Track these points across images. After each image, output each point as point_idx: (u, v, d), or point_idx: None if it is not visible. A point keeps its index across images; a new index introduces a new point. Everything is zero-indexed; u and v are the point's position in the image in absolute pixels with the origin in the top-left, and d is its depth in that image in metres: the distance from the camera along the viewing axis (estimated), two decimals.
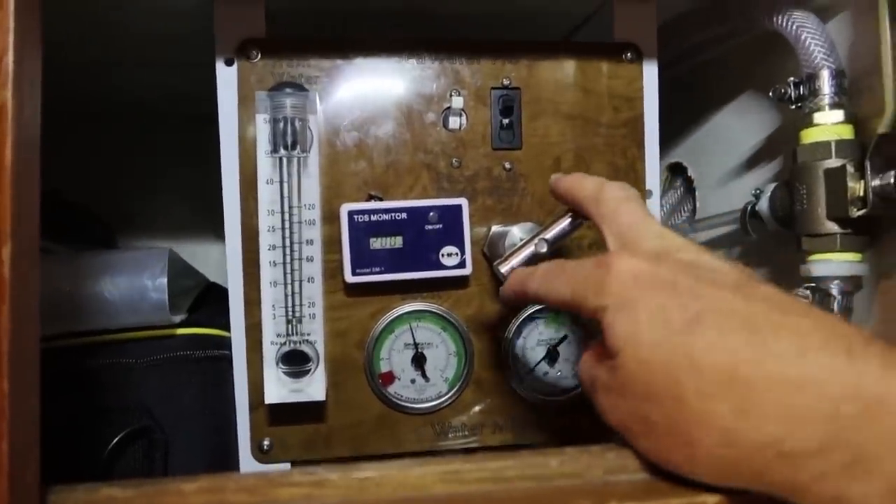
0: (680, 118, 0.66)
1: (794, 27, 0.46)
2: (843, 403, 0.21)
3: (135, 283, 0.46)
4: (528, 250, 0.39)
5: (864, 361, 0.22)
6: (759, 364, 0.23)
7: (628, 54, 0.49)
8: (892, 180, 0.40)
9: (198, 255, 0.73)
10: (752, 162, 0.58)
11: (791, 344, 0.23)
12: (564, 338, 0.49)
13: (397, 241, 0.45)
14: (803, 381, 0.22)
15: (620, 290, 0.28)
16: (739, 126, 0.60)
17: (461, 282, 0.47)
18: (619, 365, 0.27)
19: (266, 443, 0.45)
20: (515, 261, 0.39)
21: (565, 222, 0.38)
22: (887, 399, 0.21)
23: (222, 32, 0.45)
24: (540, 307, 0.48)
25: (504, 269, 0.38)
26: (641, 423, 0.26)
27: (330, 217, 0.45)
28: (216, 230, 0.77)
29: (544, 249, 0.38)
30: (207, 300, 0.56)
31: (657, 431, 0.26)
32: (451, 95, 0.47)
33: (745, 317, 0.24)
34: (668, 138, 0.68)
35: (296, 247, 0.43)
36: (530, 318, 0.48)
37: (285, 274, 0.43)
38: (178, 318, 0.50)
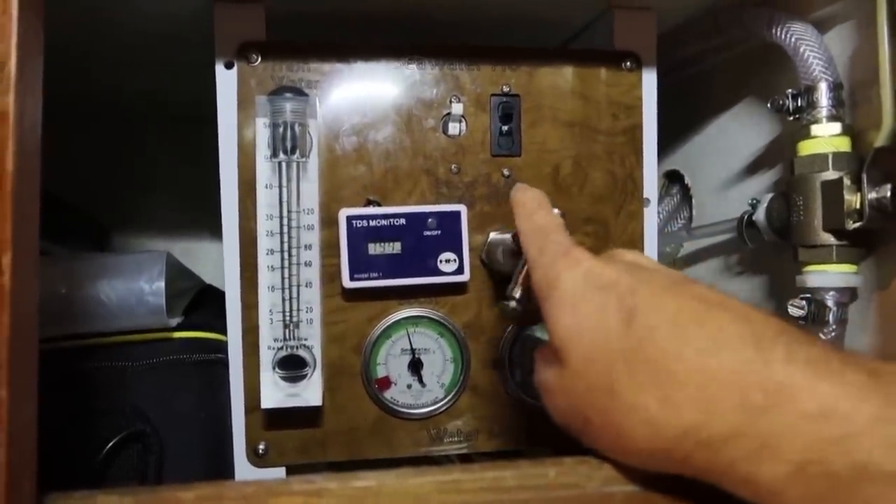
0: (677, 126, 0.67)
1: (793, 39, 0.46)
2: (752, 393, 0.23)
3: (132, 286, 0.46)
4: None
5: (770, 352, 0.23)
6: (681, 357, 0.25)
7: (628, 63, 0.49)
8: (888, 193, 0.40)
9: (192, 254, 0.73)
10: (749, 171, 0.58)
11: (710, 338, 0.25)
12: None
13: (395, 247, 0.45)
14: (718, 372, 0.24)
15: (570, 287, 0.29)
16: (736, 135, 0.60)
17: (459, 288, 0.47)
18: (562, 362, 0.28)
19: (261, 447, 0.45)
20: (524, 282, 0.37)
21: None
22: (788, 387, 0.22)
23: (222, 35, 0.44)
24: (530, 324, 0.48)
25: (517, 294, 0.37)
26: (581, 419, 0.28)
27: (328, 222, 0.45)
28: (212, 230, 0.78)
29: None
30: (203, 303, 0.55)
31: (594, 425, 0.27)
32: (450, 101, 0.47)
33: (673, 312, 0.26)
34: (665, 146, 0.68)
35: (294, 251, 0.43)
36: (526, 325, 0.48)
37: (283, 278, 0.43)
38: (174, 322, 0.50)
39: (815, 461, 0.21)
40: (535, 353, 0.34)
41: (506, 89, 0.47)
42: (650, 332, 0.26)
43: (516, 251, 0.41)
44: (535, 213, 0.36)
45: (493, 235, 0.47)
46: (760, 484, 0.22)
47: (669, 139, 0.68)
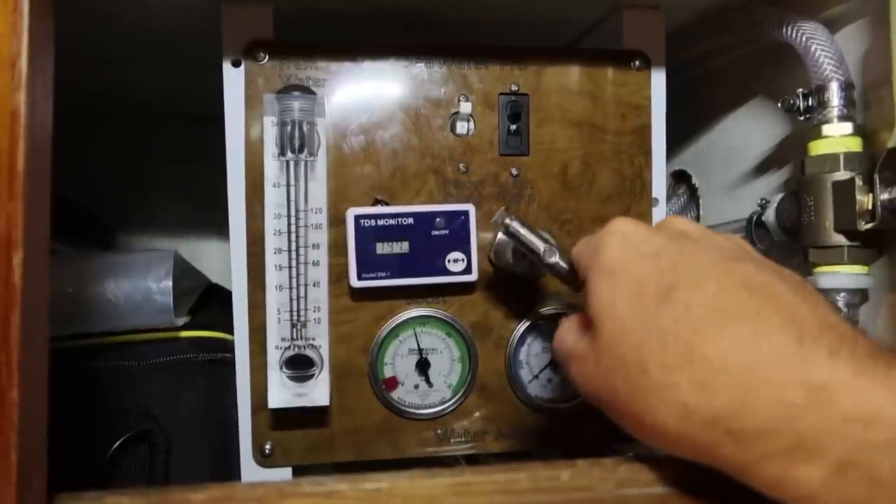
0: (685, 125, 0.66)
1: (804, 38, 0.46)
2: (791, 389, 0.22)
3: (139, 285, 0.46)
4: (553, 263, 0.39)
5: (813, 348, 0.22)
6: (717, 343, 0.24)
7: (636, 62, 0.49)
8: None
9: (199, 254, 0.73)
10: (758, 171, 0.58)
11: (749, 327, 0.24)
12: None
13: (403, 246, 0.44)
14: (755, 364, 0.23)
15: (609, 254, 0.28)
16: (745, 134, 0.60)
17: (467, 288, 0.47)
18: (596, 333, 0.28)
19: (268, 447, 0.45)
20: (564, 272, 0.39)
21: (521, 228, 0.40)
22: (830, 386, 0.21)
23: (230, 33, 0.44)
24: (547, 314, 0.48)
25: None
26: (609, 392, 0.27)
27: (336, 221, 0.45)
28: (219, 229, 0.78)
29: (553, 258, 0.39)
30: (210, 302, 0.55)
31: (621, 400, 0.26)
32: (459, 100, 0.46)
33: (713, 294, 0.25)
34: (674, 145, 0.68)
35: (302, 250, 0.43)
36: (535, 324, 0.48)
37: (291, 278, 0.42)
38: (181, 321, 0.49)
39: (856, 464, 0.20)
40: (561, 319, 0.34)
41: (514, 88, 0.47)
42: (686, 311, 0.25)
43: (524, 252, 0.41)
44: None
45: (501, 235, 0.47)
46: (793, 485, 0.22)
47: (678, 138, 0.68)
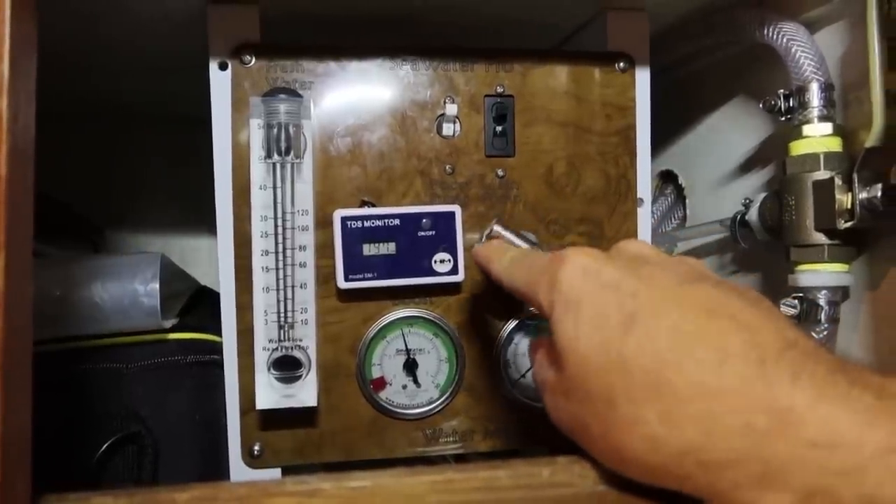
0: (670, 126, 0.67)
1: (784, 40, 0.46)
2: (755, 415, 0.22)
3: (126, 287, 0.46)
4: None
5: (775, 371, 0.22)
6: (682, 370, 0.23)
7: (621, 63, 0.49)
8: (878, 193, 0.40)
9: (186, 256, 0.73)
10: (743, 170, 0.58)
11: (712, 351, 0.23)
12: None
13: (390, 248, 0.45)
14: (720, 390, 0.23)
15: (569, 287, 0.28)
16: (729, 135, 0.60)
17: (453, 288, 0.47)
18: (562, 366, 0.27)
19: (257, 448, 0.45)
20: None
21: (505, 232, 0.42)
22: (795, 411, 0.21)
23: (216, 36, 0.45)
24: (532, 314, 0.48)
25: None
26: (580, 425, 0.27)
27: (323, 223, 0.45)
28: (206, 232, 0.78)
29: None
30: (198, 304, 0.55)
31: (592, 434, 0.26)
32: (444, 102, 0.47)
33: (675, 319, 0.25)
34: (658, 146, 0.68)
35: (289, 252, 0.43)
36: (522, 324, 0.48)
37: (278, 279, 0.43)
38: (169, 323, 0.49)
39: (822, 492, 0.20)
40: (532, 348, 0.34)
41: (500, 90, 0.48)
42: (650, 340, 0.24)
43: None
44: (505, 251, 0.36)
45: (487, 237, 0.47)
46: None
47: (662, 139, 0.68)
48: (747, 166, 0.58)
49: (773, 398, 0.22)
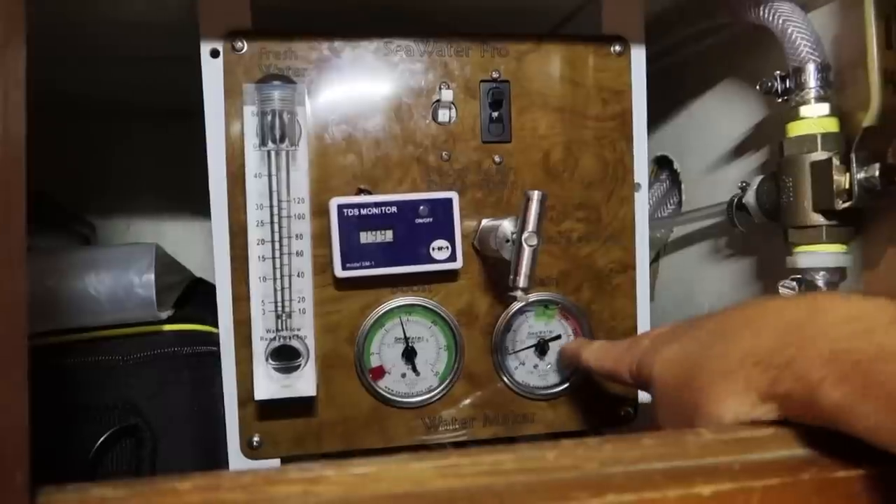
0: (666, 110, 0.67)
1: (780, 20, 0.46)
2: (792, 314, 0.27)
3: (121, 279, 0.45)
4: (527, 252, 0.39)
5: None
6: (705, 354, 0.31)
7: (616, 47, 0.49)
8: (876, 173, 0.40)
9: (181, 247, 0.72)
10: (738, 153, 0.58)
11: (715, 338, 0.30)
12: (557, 337, 0.49)
13: (387, 235, 0.44)
14: (766, 327, 0.28)
15: (651, 344, 0.36)
16: (725, 118, 0.60)
17: (451, 275, 0.47)
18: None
19: (256, 439, 0.45)
20: (525, 269, 0.39)
21: (535, 204, 0.39)
22: (823, 305, 0.27)
23: (207, 23, 0.44)
24: (532, 301, 0.48)
25: (521, 283, 0.39)
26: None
27: (319, 211, 0.44)
28: (200, 222, 0.77)
29: (536, 242, 0.39)
30: (194, 295, 0.55)
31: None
32: (440, 88, 0.46)
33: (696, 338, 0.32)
34: (654, 129, 0.68)
35: (285, 241, 0.42)
36: (520, 311, 0.48)
37: (275, 269, 0.42)
38: (164, 315, 0.49)
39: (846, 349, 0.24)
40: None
41: (495, 75, 0.47)
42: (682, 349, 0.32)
43: (508, 238, 0.41)
44: (588, 345, 0.44)
45: (485, 222, 0.47)
46: (803, 375, 0.25)
47: (660, 124, 0.68)
48: (743, 149, 0.58)
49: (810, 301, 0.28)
